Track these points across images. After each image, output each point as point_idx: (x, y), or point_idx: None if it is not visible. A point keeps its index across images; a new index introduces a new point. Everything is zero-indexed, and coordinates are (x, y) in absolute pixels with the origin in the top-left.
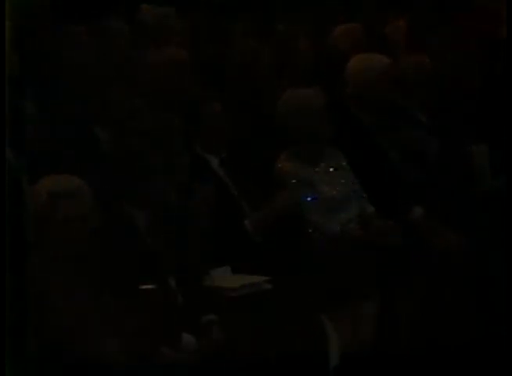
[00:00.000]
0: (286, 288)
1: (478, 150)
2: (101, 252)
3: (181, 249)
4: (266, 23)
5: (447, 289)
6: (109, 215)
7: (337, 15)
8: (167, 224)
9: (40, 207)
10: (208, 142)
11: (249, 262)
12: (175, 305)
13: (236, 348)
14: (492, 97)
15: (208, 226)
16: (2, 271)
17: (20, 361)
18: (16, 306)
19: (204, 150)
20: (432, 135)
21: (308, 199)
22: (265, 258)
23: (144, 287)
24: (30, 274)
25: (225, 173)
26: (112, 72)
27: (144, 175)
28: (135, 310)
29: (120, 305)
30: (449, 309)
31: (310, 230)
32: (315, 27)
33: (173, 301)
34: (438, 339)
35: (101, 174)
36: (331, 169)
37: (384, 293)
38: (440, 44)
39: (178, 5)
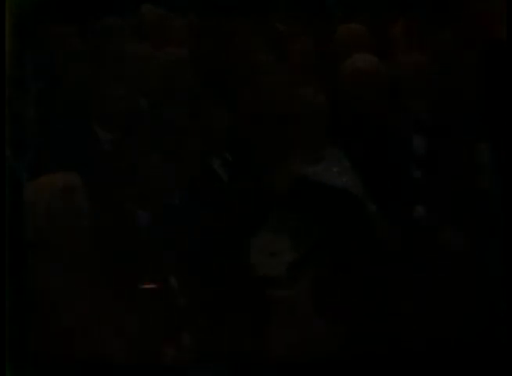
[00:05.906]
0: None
1: (479, 149)
2: (101, 251)
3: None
4: (266, 23)
5: (448, 288)
6: (110, 214)
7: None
8: (168, 224)
9: (39, 205)
10: (210, 142)
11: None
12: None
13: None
14: (492, 97)
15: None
16: (2, 271)
17: (20, 361)
18: (17, 306)
19: (205, 151)
20: (433, 135)
21: None
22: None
23: (145, 286)
24: (30, 274)
25: (227, 174)
26: (111, 71)
27: (145, 175)
28: (136, 310)
29: (120, 305)
30: (450, 308)
31: None
32: (317, 27)
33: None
34: (439, 338)
35: (101, 173)
36: (332, 169)
37: (384, 292)
38: (440, 44)
39: (179, 5)
